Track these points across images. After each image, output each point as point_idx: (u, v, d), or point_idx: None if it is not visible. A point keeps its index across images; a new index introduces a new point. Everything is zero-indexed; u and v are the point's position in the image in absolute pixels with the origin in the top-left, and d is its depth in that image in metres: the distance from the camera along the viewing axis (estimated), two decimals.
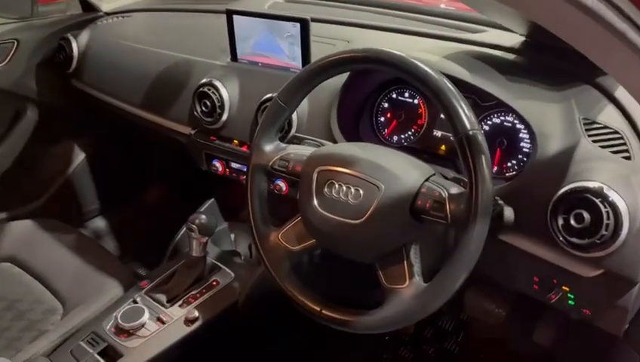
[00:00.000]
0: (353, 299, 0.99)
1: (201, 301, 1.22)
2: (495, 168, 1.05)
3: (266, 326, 1.40)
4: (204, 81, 1.30)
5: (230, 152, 1.32)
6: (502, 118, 1.06)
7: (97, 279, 1.35)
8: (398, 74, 0.87)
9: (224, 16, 1.27)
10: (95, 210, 1.95)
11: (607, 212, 0.79)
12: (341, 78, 1.13)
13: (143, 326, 1.16)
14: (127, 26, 1.68)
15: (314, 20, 1.18)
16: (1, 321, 1.27)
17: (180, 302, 1.22)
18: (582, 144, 0.89)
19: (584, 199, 0.81)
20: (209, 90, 1.28)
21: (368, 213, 0.86)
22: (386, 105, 1.21)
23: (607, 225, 0.80)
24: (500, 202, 0.87)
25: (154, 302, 1.22)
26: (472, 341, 1.63)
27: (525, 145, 1.03)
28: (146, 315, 1.16)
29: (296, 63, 1.23)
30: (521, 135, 1.04)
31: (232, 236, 1.71)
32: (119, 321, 1.15)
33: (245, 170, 1.32)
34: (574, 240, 0.82)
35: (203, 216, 1.23)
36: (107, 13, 1.76)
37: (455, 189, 0.84)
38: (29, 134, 1.75)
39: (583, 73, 1.00)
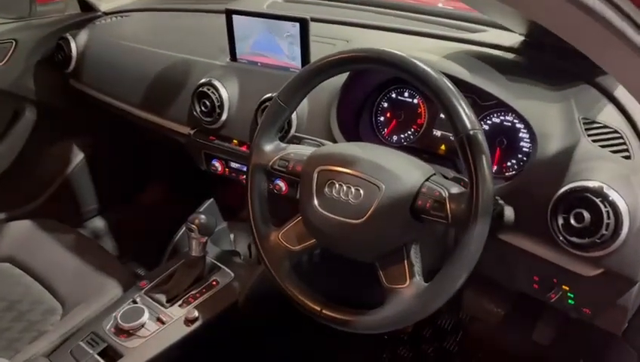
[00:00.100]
0: (353, 298, 0.99)
1: (201, 301, 1.22)
2: (495, 168, 1.05)
3: (266, 325, 1.40)
4: (203, 80, 1.30)
5: (230, 152, 1.32)
6: (502, 117, 1.06)
7: (97, 279, 1.35)
8: (399, 74, 0.87)
9: (223, 16, 1.27)
10: (94, 210, 1.95)
11: (608, 211, 0.80)
12: (341, 78, 1.13)
13: (142, 326, 1.15)
14: (125, 26, 1.68)
15: (313, 20, 1.18)
16: (0, 322, 1.27)
17: (180, 302, 1.22)
18: (582, 143, 0.90)
19: (584, 198, 0.81)
20: (208, 89, 1.28)
21: (369, 212, 0.86)
22: (385, 104, 1.21)
23: (608, 224, 0.80)
24: (501, 202, 0.87)
25: (154, 302, 1.22)
26: (471, 340, 1.64)
27: (525, 145, 1.03)
28: (146, 315, 1.16)
29: (296, 63, 1.23)
30: (520, 134, 1.04)
31: (232, 236, 1.71)
32: (119, 321, 1.15)
33: (244, 169, 1.32)
34: (574, 239, 0.82)
35: (203, 216, 1.23)
36: (106, 13, 1.76)
37: (455, 189, 0.84)
38: (27, 134, 1.74)
39: (583, 73, 1.00)
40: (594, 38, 0.56)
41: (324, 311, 0.92)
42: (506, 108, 1.03)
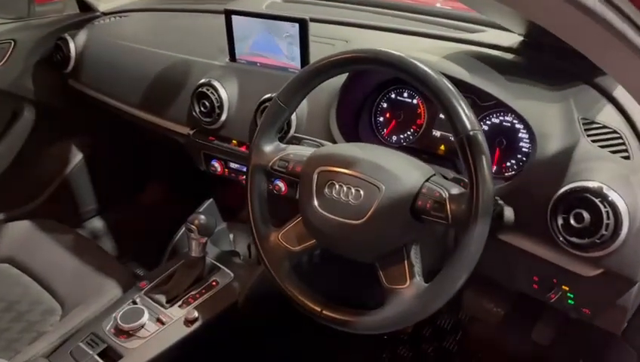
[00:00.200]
0: (353, 299, 0.99)
1: (201, 301, 1.22)
2: (494, 168, 1.06)
3: (266, 326, 1.40)
4: (202, 81, 1.30)
5: (229, 152, 1.32)
6: (501, 117, 1.06)
7: (96, 280, 1.34)
8: (398, 74, 0.87)
9: (222, 16, 1.27)
10: (93, 210, 1.95)
11: (607, 212, 0.80)
12: (340, 79, 1.13)
13: (142, 326, 1.15)
14: (124, 26, 1.68)
15: (312, 20, 1.18)
16: None
17: (180, 303, 1.22)
18: (581, 144, 0.90)
19: (584, 199, 0.81)
20: (208, 90, 1.28)
21: (369, 213, 0.86)
22: (384, 105, 1.21)
23: (607, 224, 0.80)
24: (500, 202, 0.87)
25: (153, 303, 1.22)
26: (471, 340, 1.64)
27: (524, 145, 1.03)
28: (146, 316, 1.16)
29: (295, 63, 1.23)
30: (520, 135, 1.04)
31: (231, 236, 1.71)
32: (119, 322, 1.15)
33: (244, 170, 1.32)
34: (574, 239, 0.83)
35: (202, 217, 1.23)
36: (104, 13, 1.75)
37: (455, 190, 0.84)
38: (26, 134, 1.74)
39: (582, 73, 1.00)
40: (594, 39, 0.56)
41: (324, 312, 0.92)
42: (506, 109, 1.03)
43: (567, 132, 0.91)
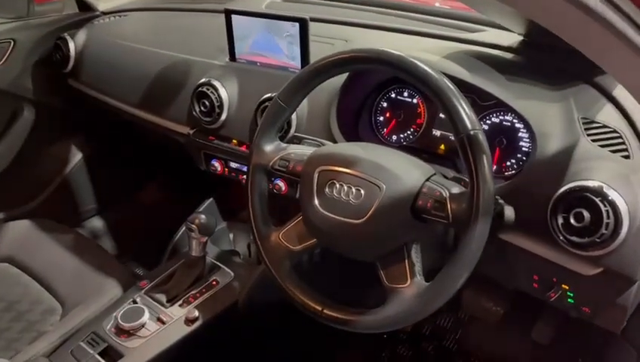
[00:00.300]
0: (353, 298, 0.99)
1: (201, 300, 1.22)
2: (494, 167, 1.06)
3: (266, 325, 1.40)
4: (202, 80, 1.30)
5: (229, 152, 1.32)
6: (501, 117, 1.06)
7: (96, 279, 1.35)
8: (399, 74, 0.87)
9: (222, 16, 1.27)
10: (92, 209, 1.95)
11: (607, 211, 0.80)
12: (340, 78, 1.13)
13: (143, 326, 1.16)
14: (124, 26, 1.68)
15: (312, 20, 1.18)
16: None
17: (180, 302, 1.22)
18: (581, 143, 0.90)
19: (584, 198, 0.82)
20: (208, 89, 1.28)
21: (369, 212, 0.86)
22: (385, 104, 1.21)
23: (607, 224, 0.80)
24: (501, 201, 0.87)
25: (154, 302, 1.22)
26: (470, 339, 1.64)
27: (524, 145, 1.04)
28: (146, 315, 1.16)
29: (295, 63, 1.23)
30: (520, 134, 1.04)
31: (231, 235, 1.71)
32: (119, 321, 1.15)
33: (244, 169, 1.32)
34: (574, 238, 0.83)
35: (203, 216, 1.23)
36: (104, 13, 1.75)
37: (456, 189, 0.84)
38: (25, 134, 1.74)
39: (582, 72, 1.00)
40: (594, 38, 0.56)
41: (325, 311, 0.92)
42: (506, 108, 1.03)
43: (567, 131, 0.92)
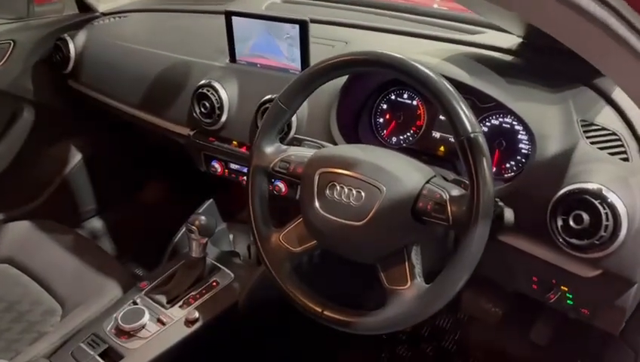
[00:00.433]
0: (353, 299, 1.00)
1: (201, 302, 1.22)
2: (494, 169, 1.06)
3: (266, 326, 1.40)
4: (203, 82, 1.30)
5: (229, 153, 1.32)
6: (501, 119, 1.07)
7: (96, 280, 1.35)
8: (399, 76, 0.88)
9: (222, 17, 1.27)
10: (92, 210, 1.95)
11: (606, 213, 0.80)
12: (340, 80, 1.13)
13: (143, 327, 1.16)
14: (124, 27, 1.68)
15: (312, 21, 1.19)
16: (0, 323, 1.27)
17: (180, 303, 1.22)
18: (580, 145, 0.90)
19: (583, 200, 0.82)
20: (208, 91, 1.28)
21: (370, 214, 0.86)
22: (384, 106, 1.22)
23: (606, 226, 0.81)
24: (500, 204, 0.87)
25: (154, 303, 1.22)
26: (470, 340, 1.65)
27: (524, 147, 1.04)
28: (147, 316, 1.16)
29: (295, 65, 1.23)
30: (519, 136, 1.05)
31: (231, 236, 1.71)
32: (119, 322, 1.15)
33: (244, 170, 1.32)
34: (573, 241, 0.83)
35: (203, 217, 1.23)
36: (104, 14, 1.75)
37: (456, 191, 0.84)
38: (25, 135, 1.74)
39: (581, 75, 1.01)
40: (595, 43, 0.56)
41: (325, 313, 0.92)
42: (505, 110, 1.04)
43: (566, 134, 0.92)
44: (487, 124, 1.08)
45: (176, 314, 1.19)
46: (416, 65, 0.84)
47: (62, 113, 1.79)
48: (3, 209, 1.74)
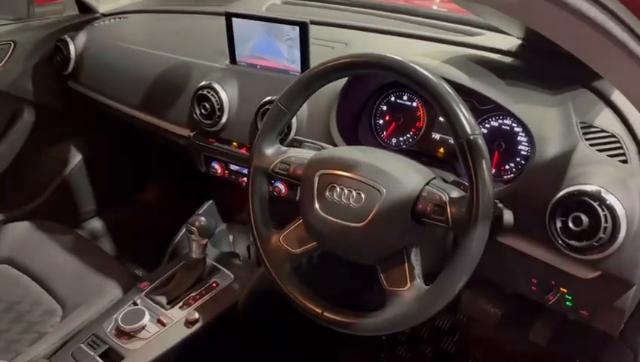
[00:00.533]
0: (353, 300, 1.00)
1: (201, 302, 1.22)
2: (493, 171, 1.06)
3: (266, 327, 1.40)
4: (203, 83, 1.30)
5: (229, 154, 1.32)
6: (500, 121, 1.07)
7: (96, 280, 1.35)
8: (399, 78, 0.88)
9: (222, 18, 1.28)
10: (92, 210, 1.95)
11: (605, 215, 0.81)
12: (340, 82, 1.13)
13: (143, 328, 1.16)
14: (124, 28, 1.68)
15: (311, 23, 1.19)
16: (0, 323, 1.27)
17: (180, 304, 1.22)
18: (579, 147, 0.91)
19: (582, 202, 0.82)
20: (208, 92, 1.28)
21: (370, 216, 0.87)
22: (384, 108, 1.22)
23: (605, 228, 0.81)
24: (500, 205, 0.88)
25: (154, 304, 1.22)
26: (469, 340, 1.65)
27: (523, 148, 1.04)
28: (147, 317, 1.17)
29: (295, 66, 1.23)
30: (519, 138, 1.05)
31: (231, 237, 1.71)
32: (120, 323, 1.15)
33: (244, 171, 1.32)
34: (572, 242, 0.84)
35: (203, 218, 1.23)
36: (104, 15, 1.76)
37: (456, 193, 0.85)
38: (25, 136, 1.74)
39: (580, 76, 1.01)
40: (594, 47, 0.56)
41: (325, 314, 0.92)
42: (505, 112, 1.04)
43: (565, 136, 0.92)
44: (487, 125, 1.08)
45: (177, 314, 1.20)
46: (416, 67, 0.84)
47: (62, 114, 1.79)
48: (3, 209, 1.75)
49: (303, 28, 1.18)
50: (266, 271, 1.00)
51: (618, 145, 0.90)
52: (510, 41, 1.14)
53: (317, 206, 0.92)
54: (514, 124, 1.05)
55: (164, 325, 1.17)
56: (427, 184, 0.87)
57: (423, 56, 1.09)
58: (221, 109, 1.28)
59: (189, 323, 1.17)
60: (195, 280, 1.27)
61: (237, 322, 1.26)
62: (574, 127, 0.93)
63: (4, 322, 1.27)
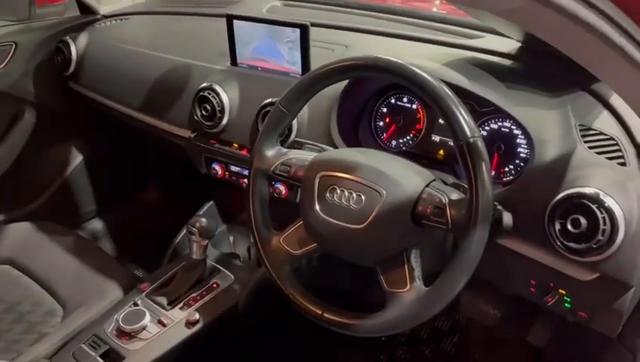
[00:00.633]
0: (353, 301, 1.00)
1: (202, 303, 1.23)
2: (493, 173, 1.07)
3: (266, 327, 1.41)
4: (204, 85, 1.31)
5: (230, 156, 1.33)
6: (499, 123, 1.07)
7: (97, 281, 1.35)
8: (398, 81, 0.88)
9: (223, 20, 1.28)
10: (92, 211, 1.95)
11: (604, 217, 0.81)
12: (340, 84, 1.13)
13: (144, 328, 1.16)
14: (125, 29, 1.68)
15: (312, 25, 1.19)
16: (0, 323, 1.27)
17: (181, 305, 1.22)
18: (578, 150, 0.91)
19: (581, 205, 0.83)
20: (209, 94, 1.29)
21: (370, 218, 0.87)
22: (384, 110, 1.22)
23: (604, 230, 0.81)
24: (499, 207, 0.88)
25: (155, 305, 1.22)
26: (468, 342, 1.65)
27: (522, 151, 1.05)
28: (147, 318, 1.17)
29: (296, 68, 1.24)
30: (518, 140, 1.05)
31: (231, 238, 1.72)
32: (120, 324, 1.15)
33: (244, 173, 1.33)
34: (571, 244, 0.84)
35: (203, 219, 1.24)
36: (105, 16, 1.76)
37: (455, 195, 0.85)
38: (26, 136, 1.75)
39: (579, 79, 1.01)
40: (593, 52, 0.57)
41: (325, 315, 0.93)
42: (504, 115, 1.04)
43: (564, 138, 0.93)
44: (486, 128, 1.09)
45: (177, 315, 1.20)
46: (415, 70, 0.85)
47: (63, 115, 1.80)
48: (4, 210, 1.75)
49: (304, 30, 1.18)
50: (266, 272, 1.00)
51: (617, 147, 0.90)
52: (510, 44, 1.14)
53: (317, 207, 0.92)
54: (513, 127, 1.06)
55: (164, 326, 1.17)
56: (427, 186, 0.88)
57: (423, 59, 1.09)
58: (222, 111, 1.29)
59: (189, 323, 1.18)
60: (195, 281, 1.27)
61: (237, 323, 1.26)
62: (573, 130, 0.93)
63: (5, 322, 1.28)
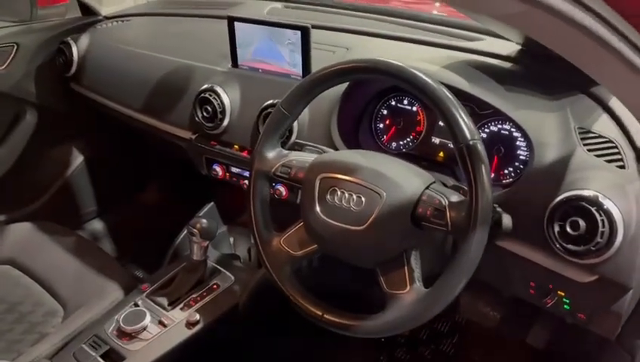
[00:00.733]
0: (352, 303, 1.01)
1: (202, 304, 1.23)
2: (492, 175, 1.07)
3: (266, 328, 1.41)
4: (205, 86, 1.31)
5: (230, 157, 1.33)
6: (499, 126, 1.08)
7: (97, 282, 1.36)
8: (399, 84, 0.89)
9: (224, 22, 1.29)
10: (93, 212, 1.96)
11: (603, 220, 0.82)
12: (341, 86, 1.14)
13: (144, 329, 1.16)
14: (127, 31, 1.69)
15: (313, 27, 1.20)
16: (1, 324, 1.27)
17: (181, 305, 1.23)
18: (577, 153, 0.91)
19: (580, 207, 0.83)
20: (210, 95, 1.29)
21: (370, 220, 0.87)
22: (385, 112, 1.23)
23: (603, 232, 0.82)
24: (499, 210, 0.88)
25: (155, 305, 1.23)
26: (468, 343, 1.65)
27: (522, 153, 1.05)
28: (148, 318, 1.17)
29: (297, 70, 1.24)
30: (518, 143, 1.06)
31: (232, 239, 1.72)
32: (121, 324, 1.16)
33: (245, 174, 1.33)
34: (570, 247, 0.84)
35: (204, 220, 1.24)
36: (106, 17, 1.77)
37: (455, 197, 0.86)
38: (28, 137, 1.75)
39: (578, 82, 1.02)
40: (591, 56, 0.57)
41: (325, 316, 0.93)
42: (504, 117, 1.05)
43: (564, 141, 0.93)
44: (486, 130, 1.09)
45: (178, 316, 1.20)
46: (415, 72, 0.85)
47: (64, 116, 1.80)
48: (5, 210, 1.76)
49: (305, 32, 1.19)
50: (266, 273, 1.01)
51: (616, 150, 0.91)
52: (509, 47, 1.14)
53: (318, 209, 0.93)
54: (513, 129, 1.06)
55: (165, 326, 1.18)
56: (427, 188, 0.88)
57: (423, 61, 1.09)
58: (223, 112, 1.29)
59: (189, 324, 1.18)
60: (196, 282, 1.27)
61: (237, 324, 1.26)
62: (572, 133, 0.94)
63: (6, 322, 1.28)
